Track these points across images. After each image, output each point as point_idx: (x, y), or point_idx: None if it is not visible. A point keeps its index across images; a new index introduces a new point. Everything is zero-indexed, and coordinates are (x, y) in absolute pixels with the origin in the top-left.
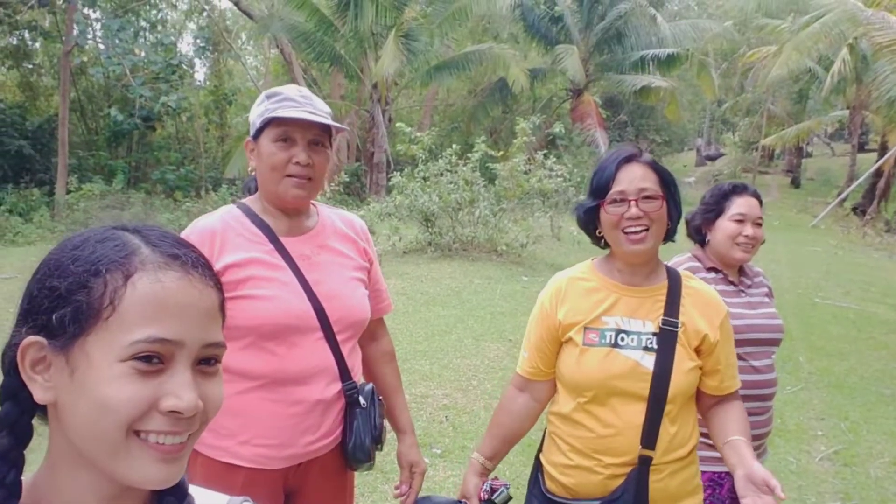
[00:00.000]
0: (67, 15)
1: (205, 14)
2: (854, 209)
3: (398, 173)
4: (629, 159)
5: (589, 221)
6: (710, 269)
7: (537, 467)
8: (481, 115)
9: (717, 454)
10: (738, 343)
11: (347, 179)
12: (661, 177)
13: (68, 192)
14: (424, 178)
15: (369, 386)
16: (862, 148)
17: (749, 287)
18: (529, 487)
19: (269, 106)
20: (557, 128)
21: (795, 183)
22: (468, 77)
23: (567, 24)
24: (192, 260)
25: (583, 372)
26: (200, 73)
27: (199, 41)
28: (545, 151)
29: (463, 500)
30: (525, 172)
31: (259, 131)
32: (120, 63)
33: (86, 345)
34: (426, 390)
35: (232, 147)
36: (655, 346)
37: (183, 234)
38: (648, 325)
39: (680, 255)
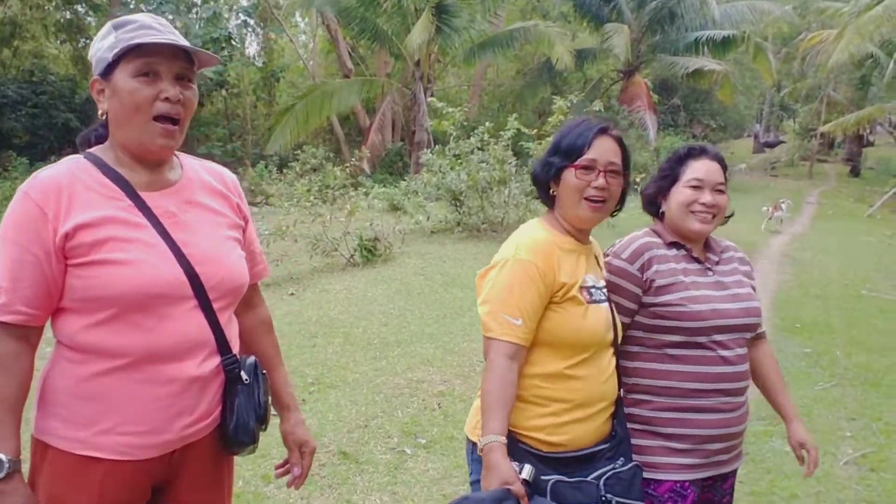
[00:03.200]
0: None
1: None
2: None
3: (429, 150)
4: (604, 131)
5: (548, 179)
6: (671, 245)
7: (510, 438)
8: (528, 95)
9: (680, 460)
10: (704, 330)
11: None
12: (624, 155)
13: None
14: (456, 156)
15: (251, 359)
16: None
17: (717, 264)
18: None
19: (123, 35)
20: (597, 106)
21: (855, 172)
22: (515, 56)
23: (618, 2)
24: None
25: (590, 328)
26: (251, 49)
27: (245, 16)
28: None
29: (506, 486)
30: None
31: (111, 67)
32: None
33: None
34: (424, 375)
35: (275, 122)
36: (606, 298)
37: (21, 189)
38: (599, 279)
39: (637, 231)
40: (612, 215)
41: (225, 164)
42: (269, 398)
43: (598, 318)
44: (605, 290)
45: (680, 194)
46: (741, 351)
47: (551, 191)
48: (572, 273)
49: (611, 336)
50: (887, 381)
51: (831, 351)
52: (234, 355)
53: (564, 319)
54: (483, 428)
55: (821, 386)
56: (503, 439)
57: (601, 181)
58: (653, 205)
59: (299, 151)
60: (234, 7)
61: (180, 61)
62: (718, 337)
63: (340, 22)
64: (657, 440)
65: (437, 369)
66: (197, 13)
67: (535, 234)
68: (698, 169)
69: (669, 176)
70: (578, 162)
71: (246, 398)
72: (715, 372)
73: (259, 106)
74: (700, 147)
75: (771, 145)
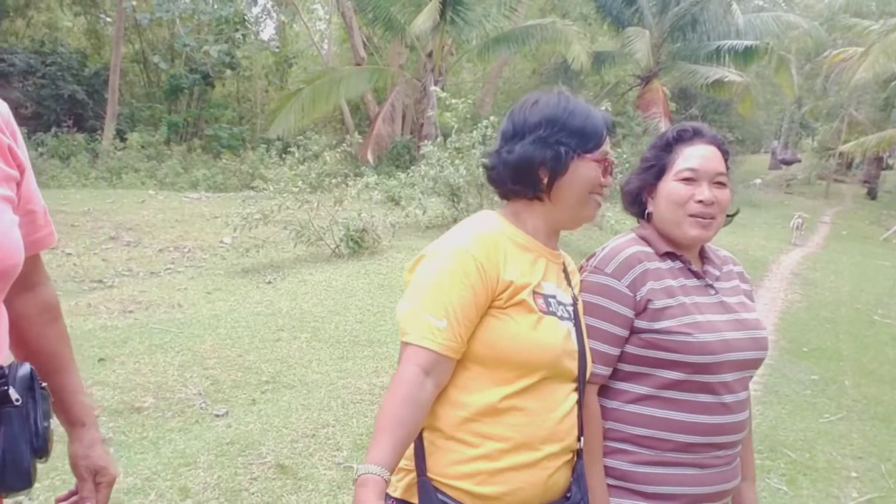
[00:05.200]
0: None
1: None
2: None
3: (429, 142)
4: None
5: (557, 166)
6: (665, 256)
7: (426, 489)
8: None
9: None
10: (711, 367)
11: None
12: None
13: (121, 139)
14: (457, 149)
15: (25, 368)
16: None
17: (717, 279)
18: None
19: None
20: (605, 105)
21: (872, 194)
22: (532, 55)
23: (641, 5)
24: None
25: (540, 344)
26: (266, 34)
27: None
28: None
29: None
30: None
31: None
32: (168, 10)
33: None
34: (390, 381)
35: (279, 106)
36: (573, 319)
37: None
38: (566, 295)
39: (620, 235)
40: None
41: (230, 147)
42: (51, 420)
43: (554, 334)
44: (571, 310)
45: (670, 190)
46: (744, 395)
47: (543, 178)
48: (524, 273)
49: (572, 365)
50: None
51: (839, 379)
52: (0, 365)
53: (507, 329)
54: (367, 453)
55: (826, 418)
56: (384, 474)
57: (609, 179)
58: (636, 203)
59: (302, 137)
60: None
61: None
62: (726, 377)
63: (355, 8)
64: (634, 499)
65: None
66: None
67: (483, 223)
68: (692, 156)
69: (656, 166)
70: (597, 153)
71: (18, 426)
72: (714, 423)
73: (270, 91)
74: (693, 127)
75: (788, 162)
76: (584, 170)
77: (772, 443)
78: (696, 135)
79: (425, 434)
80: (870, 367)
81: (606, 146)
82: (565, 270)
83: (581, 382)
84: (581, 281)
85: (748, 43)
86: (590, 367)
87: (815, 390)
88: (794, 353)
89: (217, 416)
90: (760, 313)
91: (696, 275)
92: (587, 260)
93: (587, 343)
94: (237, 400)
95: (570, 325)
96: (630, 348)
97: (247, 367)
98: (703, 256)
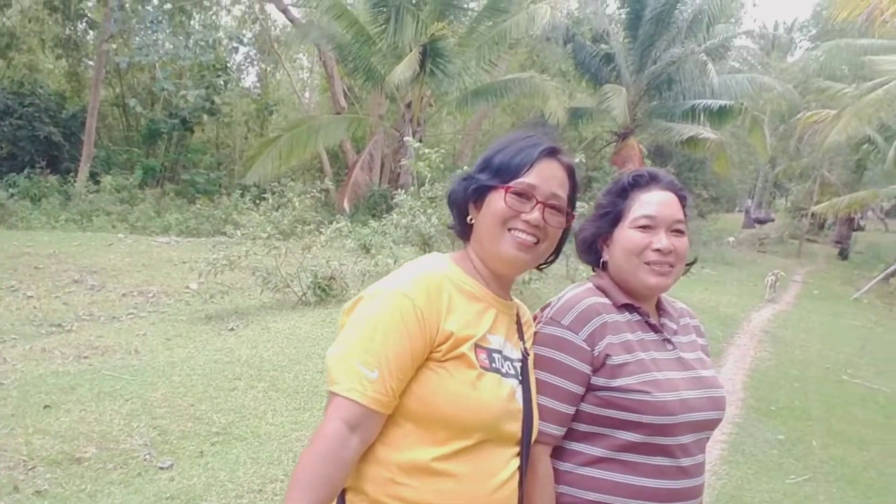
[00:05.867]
0: (105, 5)
1: (257, 23)
2: None
3: (402, 191)
4: (553, 153)
5: (467, 199)
6: (622, 308)
7: None
8: None
9: None
10: (671, 429)
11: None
12: (573, 190)
13: (94, 181)
14: (430, 199)
15: None
16: None
17: (675, 333)
18: None
19: None
20: (577, 158)
21: (843, 255)
22: (510, 108)
23: (618, 64)
24: None
25: (479, 403)
26: (248, 80)
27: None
28: (581, 191)
29: None
30: None
31: None
32: (148, 54)
33: None
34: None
35: (257, 153)
36: (521, 377)
37: None
38: (514, 350)
39: (577, 285)
40: (538, 267)
41: (207, 193)
42: None
43: (495, 394)
44: (519, 366)
45: (627, 238)
46: (701, 458)
47: (469, 217)
48: (468, 324)
49: (513, 427)
50: (865, 478)
51: (806, 440)
52: None
53: (444, 385)
54: None
55: (793, 479)
56: None
57: (536, 215)
58: (591, 251)
59: (277, 184)
60: (234, 37)
61: None
62: (683, 438)
63: (337, 58)
64: None
65: None
66: (194, 41)
67: (428, 266)
68: (649, 203)
69: (611, 213)
70: (513, 184)
71: None
72: (670, 488)
73: (250, 137)
74: (650, 173)
75: (761, 221)
76: (495, 203)
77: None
78: (652, 180)
79: (348, 496)
80: (837, 428)
81: (536, 177)
82: (519, 322)
83: (525, 446)
84: (535, 333)
85: (723, 102)
86: (535, 431)
87: (781, 450)
88: (762, 411)
89: (161, 468)
90: (730, 370)
91: (654, 328)
92: (542, 310)
93: (535, 403)
94: (184, 452)
95: (514, 384)
96: (585, 407)
97: (198, 418)
98: (659, 308)
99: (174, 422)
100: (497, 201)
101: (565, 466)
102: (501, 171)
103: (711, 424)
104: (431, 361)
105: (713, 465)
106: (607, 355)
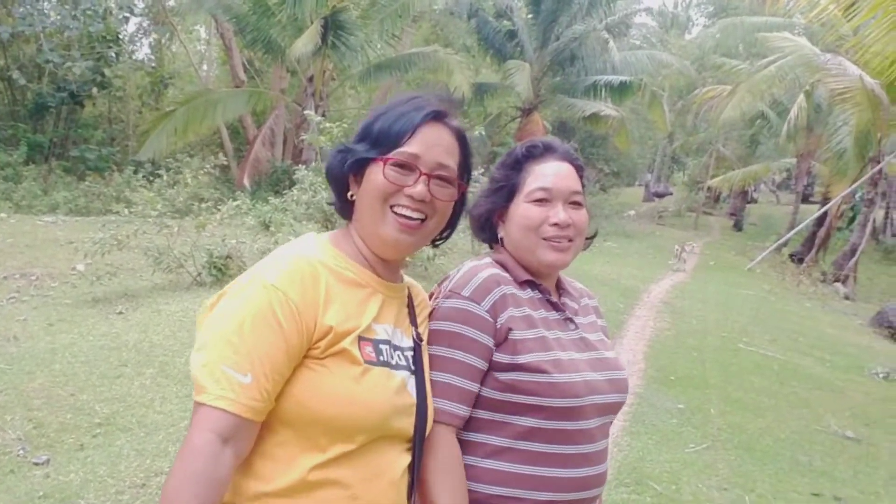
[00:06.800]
0: None
1: None
2: (791, 256)
3: (304, 167)
4: (439, 117)
5: (344, 174)
6: (524, 284)
7: None
8: None
9: None
10: (574, 413)
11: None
12: (464, 159)
13: None
14: None
15: None
16: (806, 199)
17: (576, 314)
18: None
19: None
20: (477, 131)
21: (738, 226)
22: (415, 83)
23: (522, 40)
24: None
25: (364, 401)
26: (141, 53)
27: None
28: (486, 167)
29: None
30: None
31: None
32: (31, 24)
33: None
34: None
35: (150, 128)
36: (413, 367)
37: None
38: (405, 337)
39: (474, 259)
40: (433, 243)
41: (97, 170)
42: None
43: (382, 389)
44: (410, 356)
45: (522, 213)
46: (604, 445)
47: (350, 193)
48: (350, 316)
49: (404, 423)
50: (761, 445)
51: (705, 408)
52: None
53: (322, 384)
54: None
55: (692, 447)
56: None
57: (420, 188)
58: (486, 229)
59: (173, 160)
60: (125, 6)
61: None
62: (587, 423)
63: (235, 30)
64: None
65: None
66: (82, 10)
67: (300, 252)
68: (544, 175)
69: (506, 187)
70: (392, 155)
71: None
72: (574, 477)
73: (144, 112)
74: (544, 143)
75: (660, 195)
76: (374, 177)
77: (638, 475)
78: (546, 150)
79: None
80: (734, 396)
81: (418, 145)
82: (411, 304)
83: (418, 441)
84: (433, 309)
85: (623, 78)
86: (430, 424)
87: (681, 419)
88: (662, 381)
89: (36, 464)
90: (630, 341)
91: (556, 307)
92: (439, 284)
93: (429, 393)
94: (62, 445)
95: (406, 375)
96: (486, 392)
97: (78, 408)
98: (559, 288)
99: (52, 413)
100: (376, 175)
101: (468, 460)
102: (380, 141)
103: (615, 408)
104: (309, 359)
105: (615, 436)
106: (510, 329)
